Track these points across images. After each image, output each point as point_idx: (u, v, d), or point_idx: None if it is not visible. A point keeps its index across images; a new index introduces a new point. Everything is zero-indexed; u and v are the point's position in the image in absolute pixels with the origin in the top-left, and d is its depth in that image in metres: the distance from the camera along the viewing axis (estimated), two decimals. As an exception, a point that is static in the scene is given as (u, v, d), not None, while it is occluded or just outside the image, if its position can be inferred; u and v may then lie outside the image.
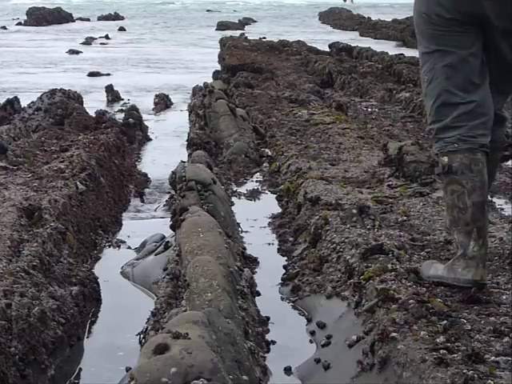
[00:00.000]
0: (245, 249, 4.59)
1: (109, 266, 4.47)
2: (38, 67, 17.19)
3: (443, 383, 2.26)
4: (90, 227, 4.79)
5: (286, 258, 4.44)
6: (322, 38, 25.29)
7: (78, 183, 5.00)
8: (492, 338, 2.57)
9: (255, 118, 8.69)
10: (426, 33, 3.11)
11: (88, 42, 24.89)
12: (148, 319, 3.46)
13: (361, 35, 28.22)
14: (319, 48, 17.68)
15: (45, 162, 5.59)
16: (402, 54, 14.34)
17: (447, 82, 3.03)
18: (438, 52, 3.06)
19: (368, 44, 19.60)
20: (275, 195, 5.90)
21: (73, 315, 3.46)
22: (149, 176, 6.73)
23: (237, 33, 26.64)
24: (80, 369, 3.23)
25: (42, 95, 9.20)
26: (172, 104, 11.44)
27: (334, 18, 36.69)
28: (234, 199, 5.83)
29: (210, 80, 12.38)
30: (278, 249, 4.64)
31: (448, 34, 3.04)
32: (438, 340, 2.51)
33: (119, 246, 4.84)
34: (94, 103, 10.36)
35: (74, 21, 36.97)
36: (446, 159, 3.01)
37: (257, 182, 6.47)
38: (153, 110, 10.93)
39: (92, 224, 4.86)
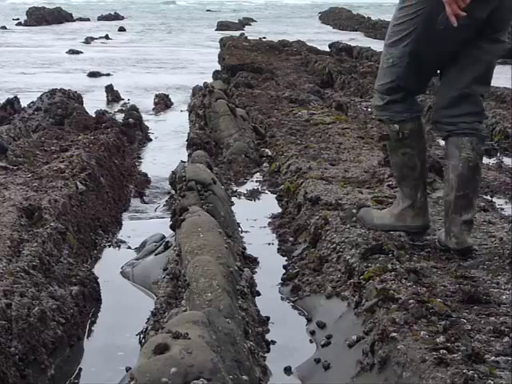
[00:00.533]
0: (245, 249, 4.59)
1: (109, 266, 4.47)
2: (38, 67, 17.19)
3: (443, 383, 2.26)
4: (89, 227, 4.79)
5: (285, 257, 4.44)
6: (322, 38, 25.30)
7: (78, 183, 5.00)
8: (492, 338, 2.57)
9: (255, 117, 8.69)
10: None
11: (88, 41, 24.90)
12: (148, 319, 3.46)
13: (366, 36, 28.18)
14: (319, 48, 17.69)
15: (45, 161, 5.59)
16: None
17: None
18: None
19: (368, 44, 19.61)
20: (275, 195, 5.90)
21: (73, 315, 3.46)
22: (149, 176, 6.72)
23: (237, 33, 26.65)
24: (80, 369, 3.23)
25: (41, 95, 9.20)
26: (172, 104, 11.44)
27: (334, 17, 36.69)
28: (234, 199, 5.83)
29: (209, 80, 12.37)
30: (278, 249, 4.64)
31: None
32: (437, 340, 2.51)
33: (119, 246, 4.84)
34: (94, 103, 10.36)
35: (74, 21, 36.98)
36: (397, 127, 3.57)
37: (257, 181, 6.47)
38: (153, 110, 10.93)
39: (92, 224, 4.86)
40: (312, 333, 3.44)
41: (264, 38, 21.95)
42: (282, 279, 4.10)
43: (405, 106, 3.58)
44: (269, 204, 5.73)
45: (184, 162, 5.74)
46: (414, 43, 3.45)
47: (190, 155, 6.51)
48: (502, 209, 5.05)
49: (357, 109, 9.97)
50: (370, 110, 9.76)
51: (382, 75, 3.60)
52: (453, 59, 3.52)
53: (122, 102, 11.47)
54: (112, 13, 42.42)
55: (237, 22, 35.54)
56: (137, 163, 7.27)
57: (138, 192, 6.19)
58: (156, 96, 11.38)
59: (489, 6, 3.34)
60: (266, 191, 6.13)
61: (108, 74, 15.43)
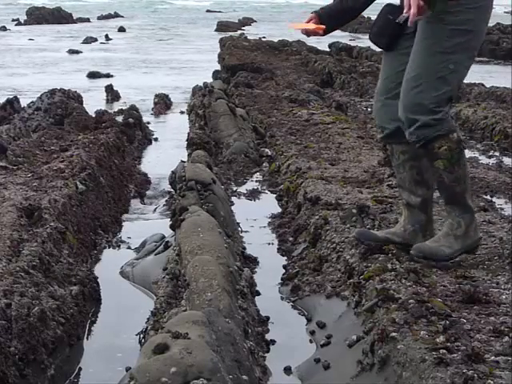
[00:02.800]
0: (245, 249, 4.59)
1: (109, 265, 4.47)
2: (38, 67, 17.19)
3: (443, 383, 2.26)
4: (89, 227, 4.79)
5: (285, 257, 4.44)
6: (322, 37, 25.26)
7: (78, 183, 5.00)
8: (492, 338, 2.57)
9: (255, 117, 8.69)
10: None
11: (88, 42, 24.90)
12: (148, 319, 3.46)
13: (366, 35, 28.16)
14: (319, 48, 17.69)
15: (45, 161, 5.59)
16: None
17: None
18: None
19: (368, 44, 19.60)
20: (275, 195, 5.90)
21: (72, 315, 3.46)
22: (149, 176, 6.73)
23: (237, 33, 26.65)
24: (80, 368, 3.23)
25: (41, 95, 9.20)
26: (172, 104, 11.44)
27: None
28: (233, 199, 5.83)
29: (209, 80, 12.39)
30: (278, 249, 4.64)
31: None
32: (437, 340, 2.51)
33: (119, 246, 4.84)
34: (94, 103, 10.36)
35: (73, 20, 36.96)
36: (456, 135, 3.29)
37: (257, 181, 6.47)
38: (153, 109, 10.94)
39: (92, 224, 4.86)
40: (312, 333, 3.44)
41: (264, 37, 21.96)
42: (281, 279, 4.10)
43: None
44: (269, 204, 5.72)
45: (184, 161, 5.74)
46: (475, 42, 3.29)
47: (189, 155, 6.50)
48: (502, 209, 5.05)
49: (356, 109, 9.97)
50: (369, 110, 9.77)
51: (437, 85, 3.21)
52: None
53: (121, 102, 11.48)
54: (112, 13, 42.43)
55: (237, 21, 35.55)
56: (137, 163, 7.27)
57: (137, 192, 6.19)
58: (156, 96, 11.38)
59: None
60: (266, 191, 6.13)
61: (108, 74, 15.43)
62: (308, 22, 3.59)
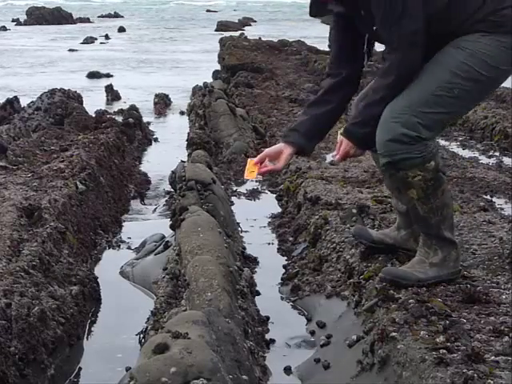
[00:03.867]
0: (245, 248, 4.59)
1: (109, 265, 4.47)
2: (38, 67, 17.19)
3: (443, 383, 2.26)
4: (89, 227, 4.79)
5: (285, 257, 4.44)
6: (322, 38, 25.28)
7: (78, 183, 5.00)
8: (492, 338, 2.57)
9: (255, 117, 8.69)
10: None
11: (88, 41, 24.91)
12: (148, 319, 3.46)
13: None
14: (319, 48, 17.68)
15: (45, 161, 5.59)
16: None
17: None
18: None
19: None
20: (275, 195, 5.90)
21: (72, 315, 3.46)
22: (149, 176, 6.73)
23: (237, 33, 26.65)
24: (80, 368, 3.23)
25: (41, 95, 9.20)
26: (172, 104, 11.45)
27: (334, 17, 36.61)
28: (233, 199, 5.83)
29: (209, 80, 12.39)
30: (278, 248, 4.64)
31: None
32: (437, 340, 2.51)
33: (119, 246, 4.84)
34: (94, 103, 10.37)
35: (73, 20, 36.98)
36: (433, 163, 2.92)
37: (256, 181, 6.47)
38: (153, 109, 10.94)
39: (92, 224, 4.86)
40: (312, 332, 3.44)
41: (264, 37, 21.95)
42: (281, 279, 4.10)
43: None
44: (268, 204, 5.72)
45: (184, 161, 5.74)
46: (490, 85, 3.00)
47: (189, 155, 6.50)
48: (502, 209, 5.05)
49: (357, 108, 9.94)
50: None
51: (431, 103, 2.88)
52: None
53: (121, 102, 11.48)
54: (112, 13, 42.43)
55: (237, 21, 35.55)
56: (137, 163, 7.27)
57: (137, 192, 6.19)
58: (156, 96, 11.39)
59: None
60: (266, 191, 6.13)
61: (108, 74, 15.43)
62: (277, 154, 3.20)
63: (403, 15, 2.84)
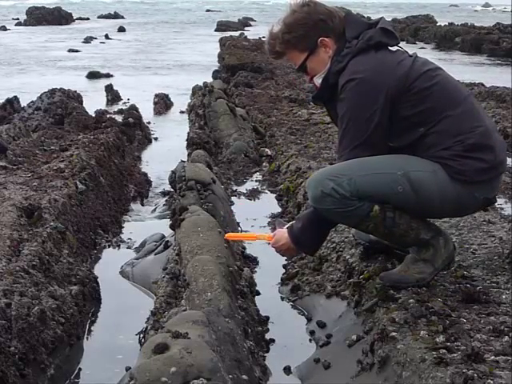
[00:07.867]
0: (245, 248, 4.59)
1: (109, 265, 4.47)
2: (38, 67, 17.19)
3: (443, 383, 2.26)
4: (89, 227, 4.79)
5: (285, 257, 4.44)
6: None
7: (78, 183, 5.00)
8: (492, 338, 2.57)
9: (255, 117, 8.69)
10: None
11: (88, 41, 24.92)
12: (148, 319, 3.46)
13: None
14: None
15: (44, 161, 5.59)
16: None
17: None
18: None
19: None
20: (275, 195, 5.90)
21: (72, 315, 3.46)
22: (149, 176, 6.73)
23: (237, 33, 26.66)
24: (79, 368, 3.23)
25: (41, 95, 9.21)
26: (172, 104, 11.45)
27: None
28: (233, 199, 5.83)
29: (209, 80, 12.38)
30: (278, 248, 4.63)
31: None
32: (437, 339, 2.51)
33: (119, 246, 4.84)
34: (94, 103, 10.37)
35: (73, 20, 37.01)
36: (377, 206, 2.98)
37: (256, 181, 6.47)
38: (153, 109, 10.94)
39: (92, 224, 4.86)
40: (312, 332, 3.44)
41: (264, 37, 21.95)
42: (281, 279, 4.10)
43: None
44: (268, 203, 5.72)
45: (184, 161, 5.74)
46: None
47: (189, 155, 6.51)
48: (502, 208, 5.05)
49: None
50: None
51: (370, 178, 2.94)
52: None
53: (121, 102, 11.48)
54: (112, 12, 42.45)
55: (237, 21, 35.57)
56: (137, 163, 7.27)
57: (137, 192, 6.19)
58: (156, 96, 11.39)
59: None
60: (266, 191, 6.13)
61: (108, 74, 15.43)
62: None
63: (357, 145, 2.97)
